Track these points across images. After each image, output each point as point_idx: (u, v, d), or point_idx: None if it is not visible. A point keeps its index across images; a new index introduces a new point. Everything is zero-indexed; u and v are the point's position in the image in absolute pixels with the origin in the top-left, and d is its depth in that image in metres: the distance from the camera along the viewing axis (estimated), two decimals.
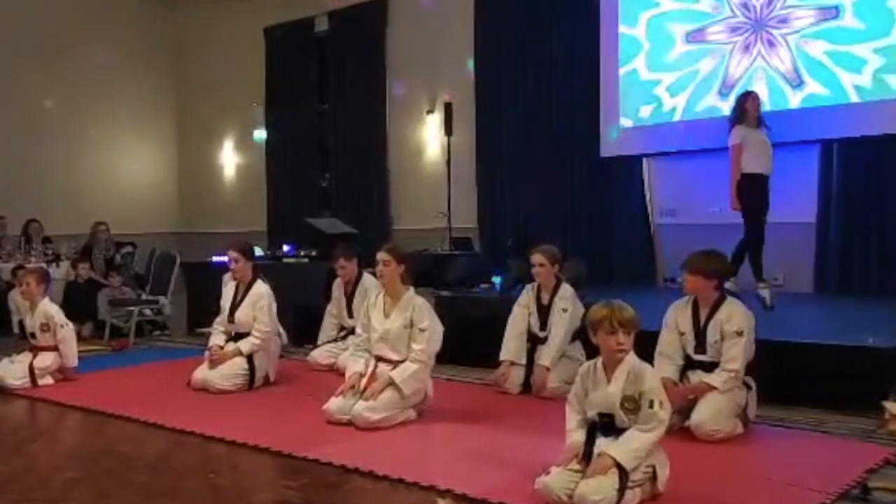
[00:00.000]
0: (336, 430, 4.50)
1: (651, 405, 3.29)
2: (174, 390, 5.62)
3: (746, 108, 6.53)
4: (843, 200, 7.31)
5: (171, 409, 5.01)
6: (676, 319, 4.50)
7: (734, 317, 4.32)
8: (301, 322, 6.99)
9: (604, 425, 3.36)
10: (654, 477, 3.32)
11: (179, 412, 4.93)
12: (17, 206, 9.81)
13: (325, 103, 11.34)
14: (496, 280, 7.35)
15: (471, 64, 9.65)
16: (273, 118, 11.78)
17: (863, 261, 7.23)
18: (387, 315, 4.83)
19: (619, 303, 3.39)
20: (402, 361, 4.70)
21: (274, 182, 11.77)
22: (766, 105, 7.51)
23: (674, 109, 8.21)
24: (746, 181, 6.43)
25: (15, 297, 7.75)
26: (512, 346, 5.49)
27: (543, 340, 5.42)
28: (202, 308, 7.67)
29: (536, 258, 5.49)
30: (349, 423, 4.55)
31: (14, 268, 8.25)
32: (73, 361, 6.06)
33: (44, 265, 8.05)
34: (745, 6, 7.73)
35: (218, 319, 5.95)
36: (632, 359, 3.39)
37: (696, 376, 4.37)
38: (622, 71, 8.51)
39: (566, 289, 5.47)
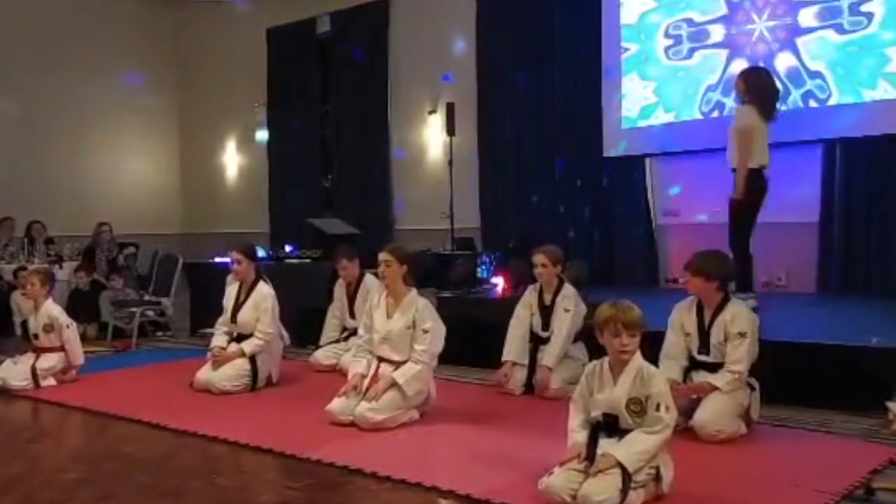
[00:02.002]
0: (339, 431, 4.50)
1: (658, 408, 3.28)
2: (177, 391, 5.62)
3: (767, 88, 5.77)
4: (846, 200, 7.29)
5: (174, 410, 5.01)
6: (681, 320, 4.49)
7: (738, 318, 4.31)
8: (303, 323, 6.98)
9: (608, 426, 3.36)
10: (657, 477, 3.31)
11: (182, 413, 4.93)
12: (19, 207, 9.82)
13: (327, 104, 11.34)
14: (498, 280, 7.36)
15: (472, 63, 9.65)
16: (275, 119, 11.79)
17: (866, 260, 7.22)
18: (389, 316, 4.83)
19: (625, 303, 3.37)
20: (405, 362, 4.70)
21: (276, 183, 11.77)
22: None
23: (676, 109, 8.20)
24: (753, 175, 5.71)
25: (17, 299, 7.76)
26: (514, 347, 5.49)
27: (546, 341, 5.41)
28: (205, 309, 7.67)
29: (539, 259, 5.48)
30: (352, 424, 4.55)
31: (16, 269, 8.25)
32: (81, 359, 6.08)
33: (47, 266, 8.05)
34: (748, 6, 7.72)
35: (220, 320, 5.95)
36: (639, 361, 3.38)
37: (700, 377, 4.37)
38: (624, 70, 8.51)
39: (569, 289, 5.47)
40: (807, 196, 7.41)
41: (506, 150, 9.47)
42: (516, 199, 9.37)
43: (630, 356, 3.35)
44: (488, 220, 9.59)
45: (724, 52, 7.86)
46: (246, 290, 5.89)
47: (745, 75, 6.06)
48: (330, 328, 6.64)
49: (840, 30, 7.20)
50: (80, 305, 8.06)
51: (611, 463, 3.19)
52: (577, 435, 3.41)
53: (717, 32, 7.90)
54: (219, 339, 5.85)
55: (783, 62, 7.51)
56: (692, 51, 8.07)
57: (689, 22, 8.09)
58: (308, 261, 8.26)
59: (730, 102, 7.77)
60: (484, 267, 8.13)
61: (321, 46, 11.33)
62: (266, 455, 4.13)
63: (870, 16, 7.06)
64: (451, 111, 9.33)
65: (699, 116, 8.02)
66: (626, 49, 8.49)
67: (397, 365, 4.71)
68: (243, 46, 11.89)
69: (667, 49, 8.24)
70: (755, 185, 5.76)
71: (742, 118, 5.82)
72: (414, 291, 4.88)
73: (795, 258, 7.48)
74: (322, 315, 6.73)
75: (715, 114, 7.89)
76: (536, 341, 5.47)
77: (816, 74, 7.35)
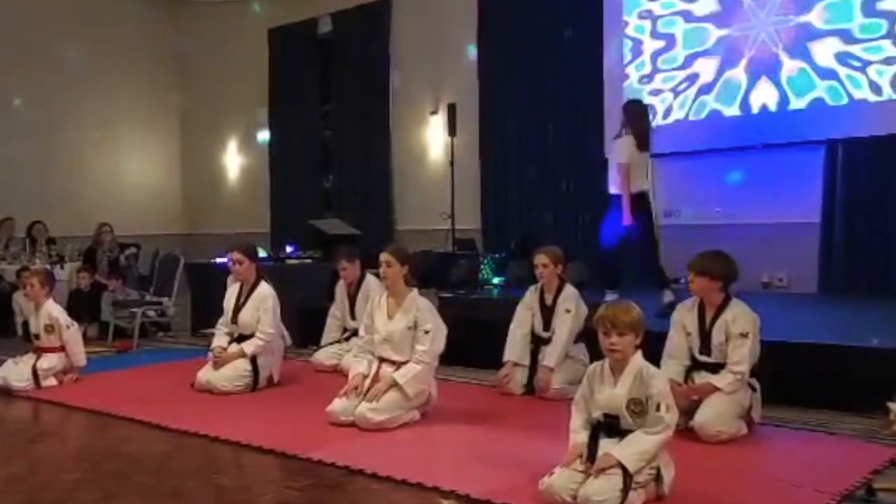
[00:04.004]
0: (339, 432, 4.50)
1: (658, 408, 3.28)
2: (178, 391, 5.62)
3: (643, 122, 6.44)
4: (848, 200, 7.29)
5: (175, 411, 5.01)
6: (683, 321, 4.49)
7: (739, 318, 4.31)
8: (304, 323, 6.98)
9: (608, 426, 3.35)
10: (658, 478, 3.31)
11: (183, 413, 4.93)
12: (20, 207, 9.83)
13: (329, 104, 11.35)
14: (499, 281, 7.36)
15: (474, 64, 9.65)
16: (276, 119, 11.79)
17: (867, 261, 7.22)
18: (390, 316, 4.83)
19: (624, 304, 3.38)
20: (406, 363, 4.70)
21: (277, 183, 11.78)
22: (771, 105, 7.54)
23: (677, 110, 8.20)
24: (638, 199, 6.33)
25: (19, 299, 7.76)
26: (515, 347, 5.48)
27: (547, 341, 5.41)
28: (206, 309, 7.68)
29: (540, 259, 5.48)
30: (352, 425, 4.55)
31: (19, 269, 8.26)
32: (82, 360, 6.07)
33: (48, 266, 8.05)
34: (750, 7, 7.71)
35: (221, 320, 5.95)
36: (640, 361, 3.38)
37: (701, 377, 4.37)
38: (626, 71, 8.51)
39: (570, 290, 5.46)
40: (808, 196, 7.40)
41: (507, 150, 9.46)
42: (517, 200, 9.36)
43: (620, 355, 3.34)
44: (489, 220, 9.59)
45: (725, 54, 7.84)
46: (247, 291, 5.88)
47: (627, 108, 6.60)
48: (331, 329, 6.63)
49: (843, 31, 7.19)
50: (81, 306, 8.05)
51: (611, 462, 3.19)
52: (578, 435, 3.41)
53: (720, 34, 7.89)
54: (220, 340, 5.85)
55: (785, 63, 7.50)
56: (694, 52, 8.06)
57: (692, 23, 8.08)
58: (309, 261, 8.27)
59: (731, 101, 7.79)
60: (485, 267, 8.12)
61: (322, 47, 11.34)
62: (267, 455, 4.12)
63: (872, 18, 7.06)
64: (452, 112, 9.33)
65: (700, 117, 8.02)
66: (628, 49, 8.48)
67: (398, 365, 4.71)
68: (244, 47, 11.90)
69: (668, 50, 8.24)
70: (641, 208, 6.35)
71: (620, 154, 6.37)
72: (415, 292, 4.88)
73: (796, 258, 7.47)
74: (323, 316, 6.72)
75: (716, 115, 7.89)
76: (537, 342, 5.47)
77: (818, 75, 7.34)
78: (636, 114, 6.52)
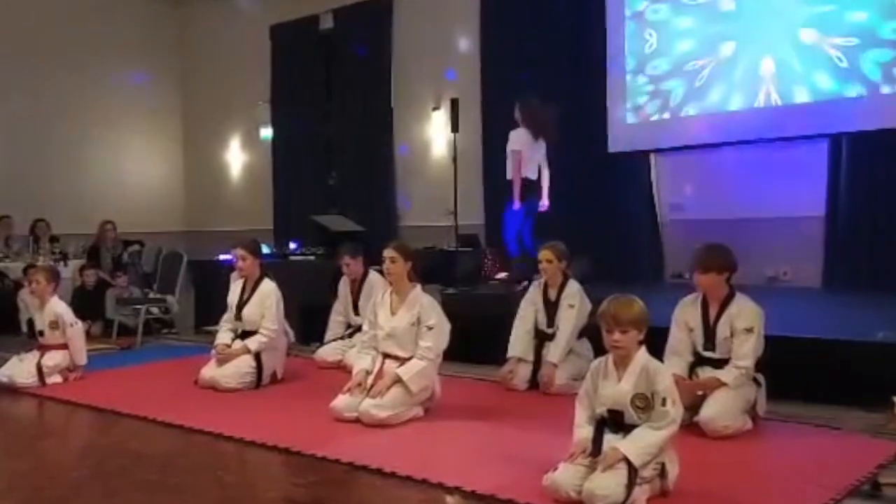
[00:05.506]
0: (343, 428, 4.50)
1: (664, 403, 3.27)
2: (182, 388, 5.62)
3: (536, 116, 7.01)
4: (852, 194, 7.27)
5: (179, 408, 5.01)
6: (685, 316, 4.48)
7: (744, 313, 4.30)
8: (308, 320, 6.98)
9: (613, 422, 3.35)
10: (662, 473, 3.30)
11: (187, 410, 4.93)
12: (23, 205, 9.84)
13: (331, 101, 11.33)
14: (503, 277, 7.35)
15: (476, 59, 9.63)
16: (279, 116, 11.78)
17: (871, 255, 7.20)
18: (394, 312, 4.83)
19: (626, 299, 3.36)
20: (410, 359, 4.70)
21: (280, 180, 11.77)
22: (776, 100, 7.52)
23: (681, 104, 8.18)
24: (528, 184, 6.99)
25: (24, 296, 7.77)
26: (519, 343, 5.48)
27: (551, 337, 5.41)
28: (209, 306, 7.68)
29: (544, 254, 5.48)
30: (356, 421, 4.55)
31: (25, 267, 8.27)
32: (83, 359, 6.08)
33: (52, 263, 8.06)
34: (755, 2, 7.67)
35: (225, 317, 5.95)
36: (644, 356, 3.37)
37: (706, 373, 4.36)
38: (629, 65, 8.48)
39: (573, 285, 5.46)
40: (813, 190, 7.39)
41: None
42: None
43: (624, 352, 3.33)
44: (492, 216, 9.57)
45: (730, 48, 7.82)
46: (250, 287, 5.89)
47: (519, 106, 7.15)
48: (334, 325, 6.64)
49: (847, 24, 7.17)
50: (86, 303, 8.06)
51: (617, 456, 3.18)
52: (582, 431, 3.40)
53: (725, 27, 7.87)
54: (223, 337, 5.85)
55: (790, 57, 7.48)
56: (698, 45, 8.04)
57: (695, 16, 8.06)
58: (312, 258, 8.27)
59: (735, 95, 7.76)
60: (488, 263, 8.11)
61: (324, 43, 11.32)
62: (271, 452, 4.12)
63: (876, 11, 7.03)
64: (454, 107, 9.29)
65: (704, 111, 7.99)
66: (631, 43, 8.46)
67: (402, 361, 4.71)
68: (247, 44, 11.89)
69: (672, 44, 8.21)
70: (529, 193, 7.00)
71: (512, 143, 7.01)
72: (418, 288, 4.88)
73: (801, 252, 7.46)
74: (326, 312, 6.73)
75: (720, 109, 7.86)
76: (541, 338, 5.47)
77: (823, 69, 7.31)
78: (527, 108, 7.11)
